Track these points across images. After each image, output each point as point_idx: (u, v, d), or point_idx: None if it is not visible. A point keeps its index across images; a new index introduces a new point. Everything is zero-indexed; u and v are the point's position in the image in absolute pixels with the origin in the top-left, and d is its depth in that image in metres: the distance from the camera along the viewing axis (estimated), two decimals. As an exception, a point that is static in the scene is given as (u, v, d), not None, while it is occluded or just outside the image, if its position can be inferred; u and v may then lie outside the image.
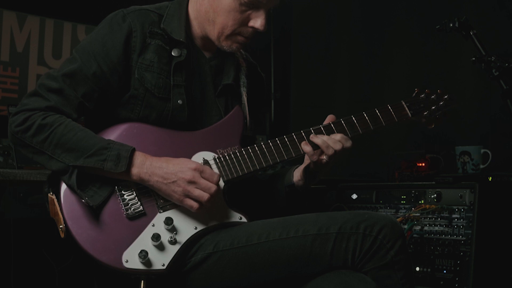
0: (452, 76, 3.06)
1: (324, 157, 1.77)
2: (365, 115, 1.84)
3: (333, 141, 1.76)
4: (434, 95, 1.94)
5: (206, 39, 1.86)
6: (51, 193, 1.67)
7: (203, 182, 1.64)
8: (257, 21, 1.78)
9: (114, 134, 1.73)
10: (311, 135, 1.78)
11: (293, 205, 1.94)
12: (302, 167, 1.90)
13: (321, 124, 1.82)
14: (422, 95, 1.93)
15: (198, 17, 1.84)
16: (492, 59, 1.86)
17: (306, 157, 1.85)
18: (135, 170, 1.64)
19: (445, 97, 1.94)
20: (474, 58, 1.89)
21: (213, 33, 1.82)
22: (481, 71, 1.91)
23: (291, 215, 1.71)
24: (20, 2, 3.19)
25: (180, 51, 1.79)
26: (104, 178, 1.65)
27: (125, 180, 1.67)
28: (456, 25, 1.93)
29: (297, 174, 1.91)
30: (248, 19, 1.78)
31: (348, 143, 1.78)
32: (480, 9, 2.93)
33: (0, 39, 3.15)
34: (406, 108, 1.89)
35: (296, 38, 3.89)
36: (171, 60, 1.78)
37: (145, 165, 1.64)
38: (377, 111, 1.86)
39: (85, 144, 1.63)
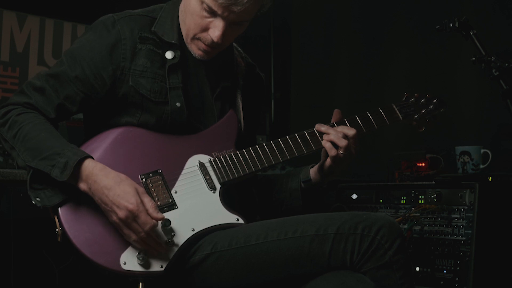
0: (452, 76, 3.05)
1: (340, 151, 1.78)
2: (357, 118, 1.87)
3: (336, 131, 1.79)
4: (424, 99, 1.96)
5: None
6: None
7: (134, 225, 1.58)
8: (214, 31, 1.73)
9: (109, 137, 1.73)
10: (317, 125, 1.82)
11: (307, 203, 1.94)
12: (317, 166, 1.91)
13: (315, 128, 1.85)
14: (412, 99, 1.96)
15: (180, 18, 1.83)
16: (492, 59, 1.86)
17: (323, 155, 1.87)
18: (80, 184, 1.61)
19: (434, 101, 1.96)
20: (474, 58, 1.89)
21: (183, 34, 1.81)
22: (481, 71, 1.91)
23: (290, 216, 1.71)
24: (20, 2, 3.20)
25: (174, 53, 1.78)
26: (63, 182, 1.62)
27: None
28: (456, 25, 1.93)
29: (313, 171, 1.92)
30: (208, 27, 1.75)
31: (351, 131, 1.79)
32: (480, 9, 2.92)
33: (0, 39, 3.15)
34: (397, 111, 1.92)
35: (296, 38, 3.89)
36: (165, 63, 1.77)
37: (89, 181, 1.60)
38: (369, 114, 1.89)
39: (43, 145, 1.62)
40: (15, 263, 2.90)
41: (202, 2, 1.71)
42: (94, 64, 1.73)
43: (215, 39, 1.74)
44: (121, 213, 1.57)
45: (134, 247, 1.61)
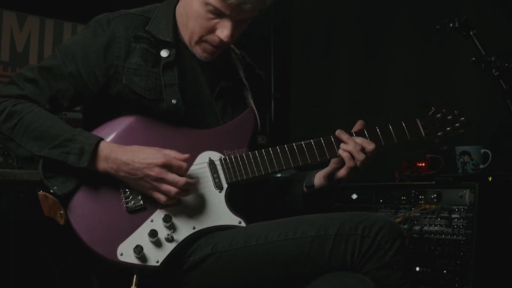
0: (452, 76, 3.05)
1: (357, 163, 1.76)
2: (377, 130, 1.83)
3: (355, 143, 1.77)
4: (451, 116, 1.92)
5: None
6: (41, 191, 1.66)
7: (171, 177, 1.62)
8: (223, 31, 1.74)
9: (123, 124, 1.73)
10: (338, 131, 1.79)
11: (309, 208, 1.93)
12: (325, 172, 1.88)
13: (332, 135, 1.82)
14: (439, 115, 1.91)
15: (179, 20, 1.83)
16: (492, 59, 1.86)
17: (333, 162, 1.84)
18: (100, 165, 1.63)
19: (462, 119, 1.92)
20: (474, 58, 1.89)
21: (186, 38, 1.81)
22: (481, 71, 1.91)
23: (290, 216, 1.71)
24: (20, 2, 3.20)
25: (169, 51, 1.77)
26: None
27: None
28: (456, 25, 1.92)
29: (318, 177, 1.90)
30: (214, 28, 1.75)
31: (371, 146, 1.77)
32: (480, 9, 2.92)
33: (0, 39, 3.15)
34: (421, 127, 1.88)
35: (296, 38, 3.89)
36: (159, 61, 1.76)
37: (110, 159, 1.62)
38: (390, 127, 1.85)
39: (51, 133, 1.63)
40: (15, 263, 2.90)
41: (207, 4, 1.71)
42: (88, 62, 1.73)
43: (225, 39, 1.74)
44: (154, 171, 1.60)
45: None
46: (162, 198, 1.64)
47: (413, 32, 3.24)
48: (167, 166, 1.62)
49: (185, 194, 1.67)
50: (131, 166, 1.62)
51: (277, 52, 3.84)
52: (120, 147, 1.64)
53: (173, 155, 1.64)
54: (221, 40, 1.75)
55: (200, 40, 1.78)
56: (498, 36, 2.78)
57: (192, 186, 1.67)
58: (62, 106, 1.76)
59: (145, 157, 1.62)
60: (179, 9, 1.83)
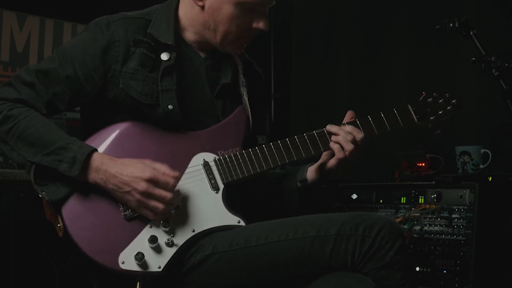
0: (452, 76, 3.06)
1: (346, 154, 1.77)
2: (370, 119, 1.84)
3: (346, 133, 1.78)
4: (442, 99, 1.93)
5: (202, 43, 1.85)
6: None
7: (157, 192, 1.61)
8: (260, 23, 1.79)
9: (114, 132, 1.72)
10: (328, 125, 1.80)
11: (305, 203, 1.93)
12: (316, 165, 1.89)
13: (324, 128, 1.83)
14: (430, 99, 1.92)
15: (193, 25, 1.83)
16: (492, 59, 1.86)
17: (323, 155, 1.85)
18: (91, 175, 1.63)
19: (453, 101, 1.93)
20: (474, 58, 1.89)
21: (214, 40, 1.82)
22: (481, 71, 1.91)
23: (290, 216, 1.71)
24: (20, 2, 3.19)
25: (170, 54, 1.77)
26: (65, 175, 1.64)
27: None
28: (456, 25, 1.93)
29: (311, 170, 1.90)
30: (251, 22, 1.79)
31: (360, 135, 1.78)
32: (480, 9, 2.93)
33: (0, 39, 3.15)
34: (413, 113, 1.88)
35: (296, 38, 3.89)
36: (159, 65, 1.76)
37: (100, 171, 1.62)
38: (382, 115, 1.86)
39: (46, 140, 1.63)
40: (15, 263, 2.90)
41: (243, 4, 1.74)
42: (85, 65, 1.72)
43: (266, 28, 1.79)
44: (141, 186, 1.59)
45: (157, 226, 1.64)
46: (149, 214, 1.64)
47: (413, 32, 3.24)
48: (154, 181, 1.61)
49: (173, 208, 1.66)
50: (118, 179, 1.61)
51: (277, 52, 3.84)
52: (111, 159, 1.64)
53: (163, 171, 1.63)
54: (262, 30, 1.79)
55: (237, 38, 1.80)
56: (498, 36, 2.78)
57: (179, 200, 1.67)
58: (59, 109, 1.75)
59: (132, 170, 1.61)
60: (185, 14, 1.83)
